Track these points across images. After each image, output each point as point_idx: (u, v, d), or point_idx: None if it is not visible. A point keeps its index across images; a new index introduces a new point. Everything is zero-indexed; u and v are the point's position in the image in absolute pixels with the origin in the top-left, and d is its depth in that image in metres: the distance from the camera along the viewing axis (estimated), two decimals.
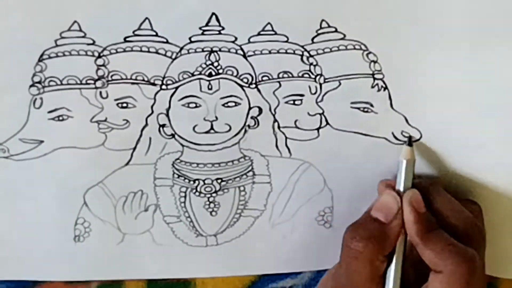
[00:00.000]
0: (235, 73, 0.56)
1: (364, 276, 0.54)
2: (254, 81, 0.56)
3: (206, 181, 0.59)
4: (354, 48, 0.56)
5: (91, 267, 0.60)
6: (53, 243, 0.60)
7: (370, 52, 0.56)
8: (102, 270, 0.60)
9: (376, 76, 0.56)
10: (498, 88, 0.57)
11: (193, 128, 0.58)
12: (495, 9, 0.55)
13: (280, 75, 0.56)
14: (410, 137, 0.57)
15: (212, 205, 0.60)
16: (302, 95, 0.57)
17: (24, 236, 0.59)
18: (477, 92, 0.57)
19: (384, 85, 0.57)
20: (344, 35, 0.55)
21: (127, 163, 0.58)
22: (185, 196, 0.60)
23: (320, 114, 0.57)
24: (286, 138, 0.58)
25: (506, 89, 0.57)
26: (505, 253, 0.62)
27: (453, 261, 0.52)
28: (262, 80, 0.56)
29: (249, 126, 0.58)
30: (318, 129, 0.58)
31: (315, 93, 0.57)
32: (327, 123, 0.58)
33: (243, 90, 0.57)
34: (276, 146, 0.59)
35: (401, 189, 0.56)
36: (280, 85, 0.57)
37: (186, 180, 0.59)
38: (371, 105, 0.57)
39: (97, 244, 0.60)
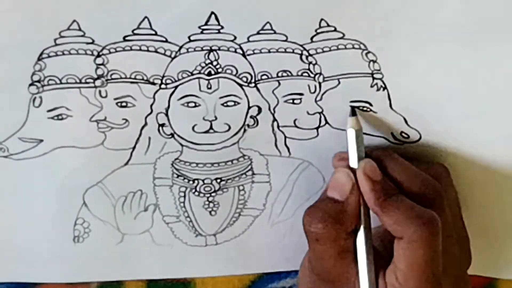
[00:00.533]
0: (234, 72, 0.56)
1: (332, 256, 0.53)
2: (253, 80, 0.56)
3: (205, 181, 0.59)
4: (353, 48, 0.56)
5: (91, 268, 0.60)
6: (52, 244, 0.60)
7: (369, 52, 0.56)
8: (101, 271, 0.60)
9: (375, 75, 0.56)
10: (498, 88, 0.57)
11: (193, 128, 0.58)
12: (495, 9, 0.55)
13: (279, 74, 0.56)
14: (352, 107, 0.56)
15: (211, 204, 0.60)
16: (301, 94, 0.57)
17: (23, 237, 0.59)
18: (477, 93, 0.57)
19: (383, 85, 0.56)
20: (343, 34, 0.55)
21: (127, 163, 0.58)
22: (184, 196, 0.60)
23: (319, 113, 0.57)
24: (285, 137, 0.58)
25: (506, 89, 0.57)
26: (503, 254, 0.61)
27: (411, 226, 0.51)
28: (262, 79, 0.56)
29: (248, 125, 0.58)
30: (317, 128, 0.58)
31: (314, 92, 0.57)
32: (326, 122, 0.58)
33: (242, 89, 0.57)
34: (276, 145, 0.59)
35: (354, 160, 0.55)
36: (279, 84, 0.57)
37: (186, 180, 0.59)
38: (370, 105, 0.57)
39: (97, 244, 0.60)
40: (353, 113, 0.56)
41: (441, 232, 0.52)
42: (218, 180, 0.59)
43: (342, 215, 0.53)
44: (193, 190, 0.59)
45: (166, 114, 0.57)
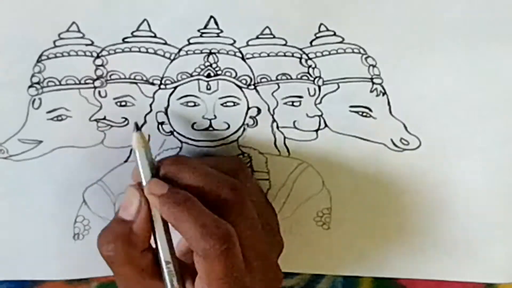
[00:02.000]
0: (233, 75, 0.56)
1: (132, 276, 0.53)
2: (252, 83, 0.56)
3: None
4: (353, 52, 0.55)
5: (91, 265, 0.60)
6: (52, 242, 0.60)
7: (368, 56, 0.55)
8: (101, 267, 0.60)
9: (374, 80, 0.56)
10: (499, 93, 0.56)
11: (192, 126, 0.57)
12: (494, 12, 0.54)
13: (279, 77, 0.56)
14: (136, 123, 0.54)
15: None
16: (301, 97, 0.57)
17: (23, 236, 0.60)
18: (478, 98, 0.56)
19: (383, 90, 0.56)
20: (343, 39, 0.55)
21: (126, 160, 0.58)
22: None
23: (318, 116, 0.57)
24: (284, 137, 0.58)
25: (507, 94, 0.56)
26: (500, 259, 0.62)
27: (204, 244, 0.50)
28: (261, 82, 0.56)
29: (247, 125, 0.58)
30: (316, 130, 0.58)
31: (313, 95, 0.57)
32: (326, 125, 0.57)
33: (242, 91, 0.56)
34: (275, 144, 0.58)
35: (143, 179, 0.53)
36: (278, 87, 0.56)
37: None
38: (370, 110, 0.57)
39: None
40: (137, 128, 0.54)
41: (237, 242, 0.51)
42: None
43: (132, 236, 0.52)
44: None
45: (166, 113, 0.57)
